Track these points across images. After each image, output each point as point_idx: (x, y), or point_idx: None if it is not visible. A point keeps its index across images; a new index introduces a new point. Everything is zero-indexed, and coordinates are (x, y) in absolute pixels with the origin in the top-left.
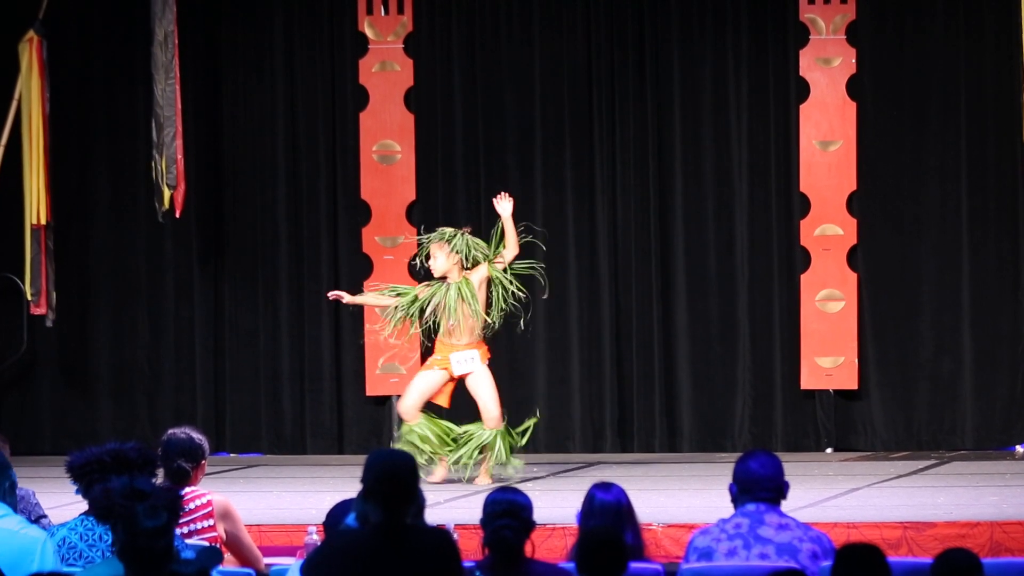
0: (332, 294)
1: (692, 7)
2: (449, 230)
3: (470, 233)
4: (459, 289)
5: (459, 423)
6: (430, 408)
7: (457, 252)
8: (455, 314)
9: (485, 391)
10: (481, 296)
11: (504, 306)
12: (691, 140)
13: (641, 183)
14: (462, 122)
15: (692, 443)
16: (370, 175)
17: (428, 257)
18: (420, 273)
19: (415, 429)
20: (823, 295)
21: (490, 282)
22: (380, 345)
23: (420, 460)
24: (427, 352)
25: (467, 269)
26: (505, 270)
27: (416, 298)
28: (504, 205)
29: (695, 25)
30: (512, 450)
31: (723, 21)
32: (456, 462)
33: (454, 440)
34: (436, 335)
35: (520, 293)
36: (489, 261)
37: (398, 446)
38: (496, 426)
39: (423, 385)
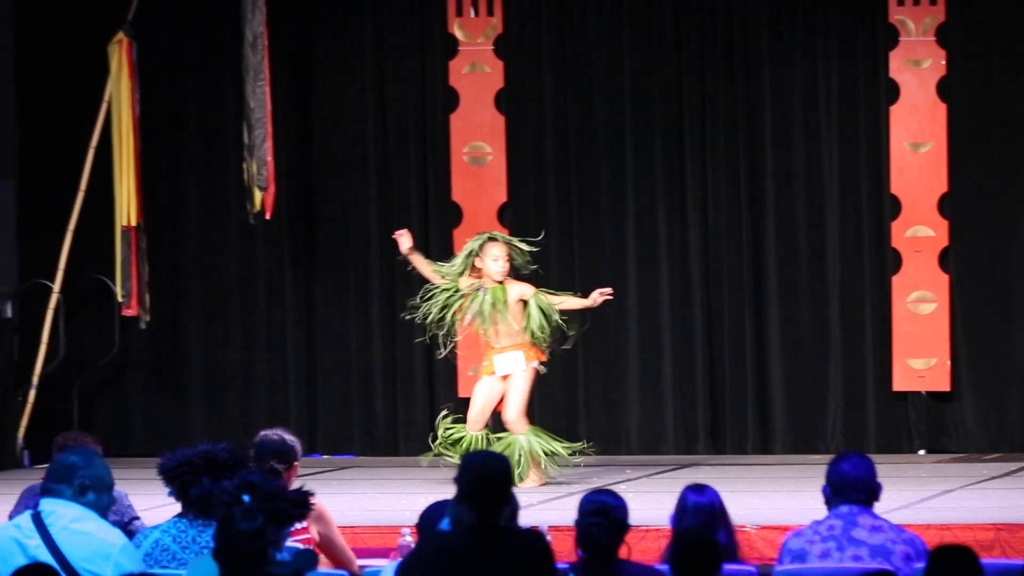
0: (399, 233)
1: (782, 9)
2: (508, 238)
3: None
4: (495, 295)
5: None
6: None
7: (513, 261)
8: (488, 320)
9: (514, 392)
10: (516, 311)
11: (540, 335)
12: (782, 142)
13: (732, 185)
14: (552, 124)
15: (785, 445)
16: (461, 177)
17: (499, 259)
18: None
19: (472, 437)
20: (915, 297)
21: (525, 303)
22: (472, 346)
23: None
24: None
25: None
26: (545, 312)
27: (458, 290)
28: (599, 300)
29: (785, 27)
30: (548, 453)
31: (813, 23)
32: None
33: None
34: (487, 340)
35: (551, 331)
36: (538, 293)
37: (437, 447)
38: (515, 430)
39: (481, 396)
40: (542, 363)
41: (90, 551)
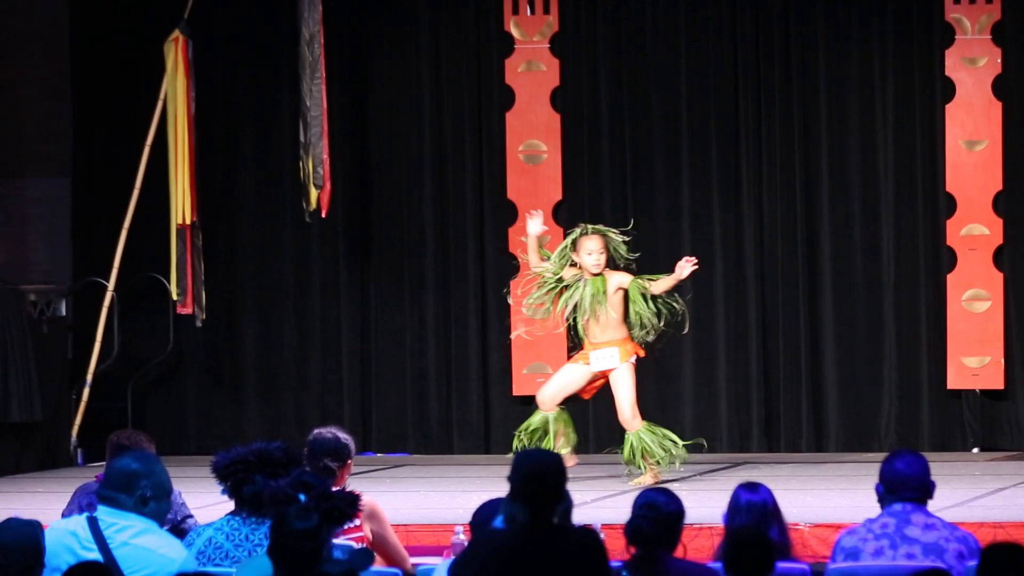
0: (533, 213)
1: (838, 7)
2: (604, 228)
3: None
4: (594, 286)
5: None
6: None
7: (611, 251)
8: (588, 311)
9: (620, 391)
10: (616, 300)
11: (643, 326)
12: (837, 140)
13: (787, 183)
14: (608, 122)
15: (839, 443)
16: (516, 175)
17: (593, 252)
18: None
19: (544, 418)
20: (969, 295)
21: (626, 294)
22: (526, 344)
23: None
24: (574, 348)
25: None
26: (647, 297)
27: (561, 279)
28: (686, 269)
29: (841, 25)
30: (665, 449)
31: (868, 21)
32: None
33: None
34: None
35: (656, 322)
36: (636, 279)
37: (521, 430)
38: (631, 428)
39: (564, 377)
40: (638, 357)
41: (150, 569)
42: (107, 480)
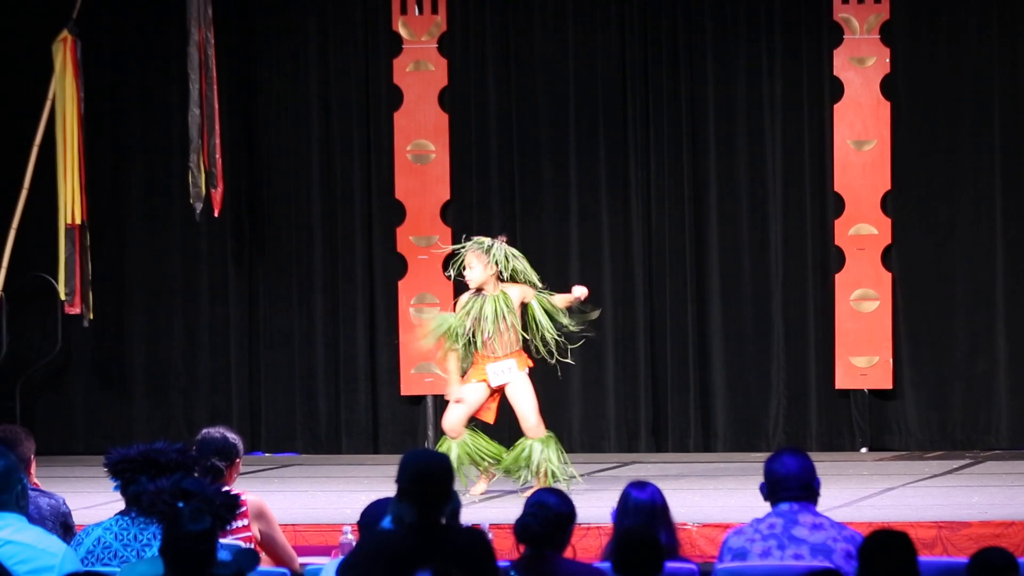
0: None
1: (725, 6)
2: (488, 240)
3: (506, 242)
4: (495, 302)
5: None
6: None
7: (496, 264)
8: (491, 326)
9: (521, 400)
10: (518, 314)
11: (544, 341)
12: (725, 139)
13: (675, 182)
14: (496, 122)
15: (726, 443)
16: (404, 175)
17: (463, 267)
18: (454, 283)
19: (457, 446)
20: (857, 295)
21: (525, 307)
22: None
23: (459, 475)
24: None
25: (503, 281)
26: (549, 313)
27: (461, 322)
28: (580, 289)
29: (728, 24)
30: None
31: (757, 20)
32: (507, 472)
33: (497, 459)
34: (476, 350)
35: (557, 337)
36: (538, 293)
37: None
38: (536, 435)
39: (466, 399)
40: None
41: (35, 564)
42: None
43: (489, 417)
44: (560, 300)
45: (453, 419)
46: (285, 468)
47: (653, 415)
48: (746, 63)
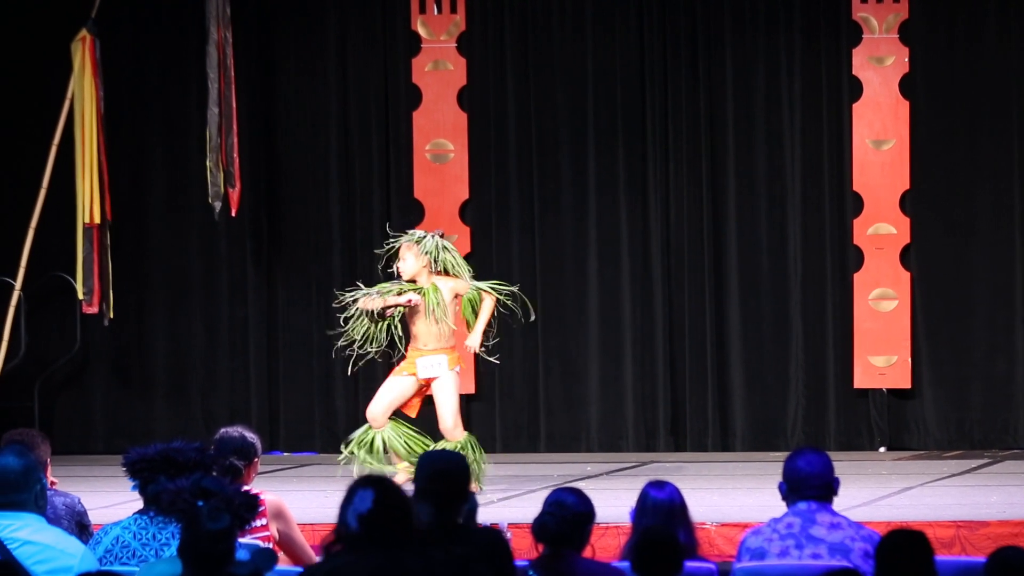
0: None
1: (745, 6)
2: (420, 232)
3: (442, 236)
4: (426, 294)
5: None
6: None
7: (427, 254)
8: (428, 317)
9: (444, 399)
10: (452, 308)
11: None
12: (744, 139)
13: (694, 182)
14: (515, 121)
15: (745, 442)
16: (423, 174)
17: (397, 258)
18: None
19: (379, 435)
20: (876, 294)
21: (462, 299)
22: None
23: (372, 465)
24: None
25: (436, 273)
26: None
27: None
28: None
29: (747, 24)
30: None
31: (776, 20)
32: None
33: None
34: (407, 344)
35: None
36: (477, 287)
37: (350, 449)
38: (452, 437)
39: (391, 390)
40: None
41: (54, 564)
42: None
43: (412, 412)
44: (482, 316)
45: (377, 409)
46: (303, 468)
47: (672, 414)
48: (765, 63)
